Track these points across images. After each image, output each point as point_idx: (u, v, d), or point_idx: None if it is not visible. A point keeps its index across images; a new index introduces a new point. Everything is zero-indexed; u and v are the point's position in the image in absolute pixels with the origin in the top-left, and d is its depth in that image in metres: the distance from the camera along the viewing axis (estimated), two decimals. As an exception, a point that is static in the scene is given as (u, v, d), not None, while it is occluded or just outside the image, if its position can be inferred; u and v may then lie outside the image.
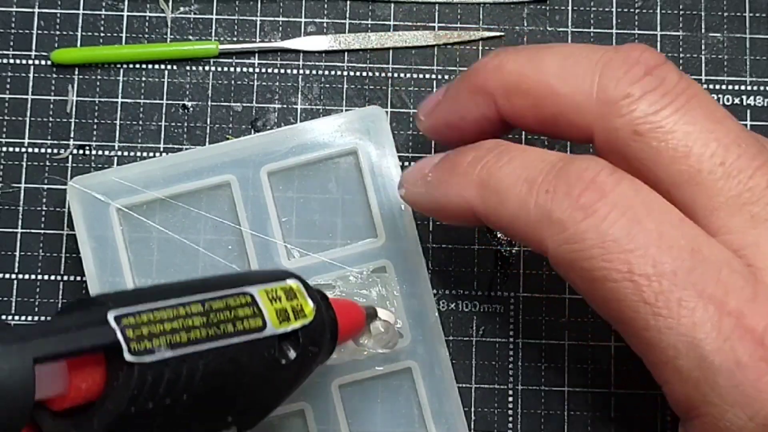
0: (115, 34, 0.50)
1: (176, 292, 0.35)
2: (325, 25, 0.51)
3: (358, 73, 0.50)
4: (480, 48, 0.50)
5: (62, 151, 0.49)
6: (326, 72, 0.50)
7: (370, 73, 0.50)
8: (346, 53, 0.50)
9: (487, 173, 0.38)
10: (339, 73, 0.50)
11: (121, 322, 0.32)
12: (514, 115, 0.40)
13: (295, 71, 0.50)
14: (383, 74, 0.50)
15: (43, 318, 0.48)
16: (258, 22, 0.50)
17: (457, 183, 0.39)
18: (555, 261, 0.36)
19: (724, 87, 0.50)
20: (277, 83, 0.50)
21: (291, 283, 0.38)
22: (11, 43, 0.50)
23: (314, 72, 0.50)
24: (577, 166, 0.36)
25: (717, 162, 0.36)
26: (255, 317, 0.36)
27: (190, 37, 0.50)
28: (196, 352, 0.33)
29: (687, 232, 0.35)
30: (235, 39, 0.50)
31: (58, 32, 0.50)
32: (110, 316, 0.32)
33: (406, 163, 0.49)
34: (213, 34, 0.50)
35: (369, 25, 0.51)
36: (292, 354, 0.37)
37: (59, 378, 0.32)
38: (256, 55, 0.50)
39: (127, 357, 0.32)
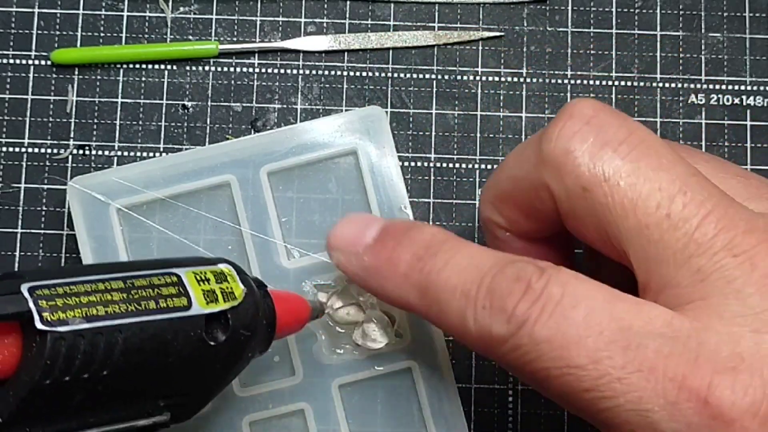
0: (115, 34, 0.50)
1: (100, 270, 0.35)
2: (325, 25, 0.51)
3: (358, 73, 0.50)
4: (480, 48, 0.50)
5: (62, 151, 0.49)
6: (326, 72, 0.50)
7: (370, 73, 0.50)
8: (346, 53, 0.50)
9: (425, 280, 0.38)
10: (339, 73, 0.50)
11: (35, 293, 0.32)
12: (511, 227, 0.41)
13: (295, 71, 0.50)
14: (383, 74, 0.50)
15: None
16: (258, 22, 0.50)
17: (396, 285, 0.39)
18: (503, 366, 0.37)
19: (724, 87, 0.50)
20: (277, 83, 0.50)
21: (222, 267, 0.38)
22: (11, 43, 0.50)
23: (314, 72, 0.50)
24: (508, 276, 0.36)
25: (663, 214, 0.35)
26: (180, 296, 0.36)
27: (190, 37, 0.50)
28: (114, 326, 0.33)
29: (614, 313, 0.35)
30: (235, 39, 0.50)
31: (58, 32, 0.50)
32: (24, 287, 0.32)
33: (406, 163, 0.49)
34: (213, 34, 0.50)
35: (369, 25, 0.51)
36: (221, 336, 0.37)
37: None
38: (256, 55, 0.50)
39: (39, 325, 0.32)
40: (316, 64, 0.50)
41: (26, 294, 0.32)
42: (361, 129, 0.47)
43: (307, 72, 0.50)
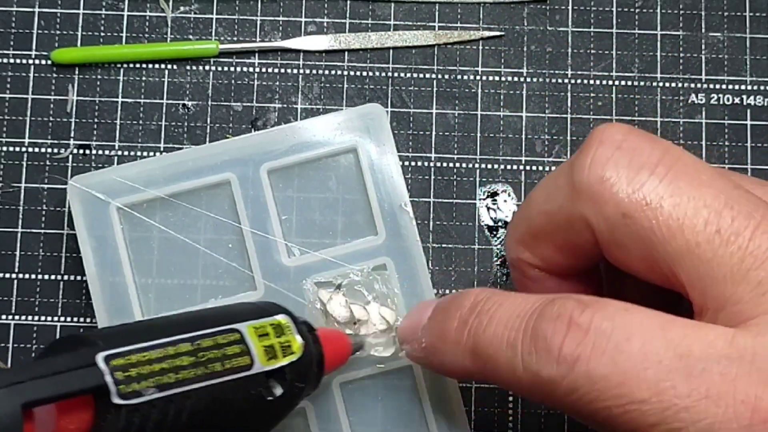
0: (115, 34, 0.50)
1: (166, 329, 0.35)
2: (325, 24, 0.51)
3: (358, 73, 0.50)
4: (480, 47, 0.50)
5: (62, 150, 0.49)
6: (326, 72, 0.50)
7: (370, 73, 0.50)
8: (346, 53, 0.50)
9: (473, 341, 0.37)
10: (339, 72, 0.50)
11: (110, 364, 0.32)
12: (544, 265, 0.40)
13: (295, 71, 0.50)
14: (383, 74, 0.50)
15: (43, 318, 0.48)
16: (258, 22, 0.50)
17: (451, 354, 0.39)
18: (562, 410, 0.36)
19: (724, 87, 0.50)
20: (277, 83, 0.50)
21: (280, 318, 0.39)
22: (11, 43, 0.50)
23: (314, 72, 0.50)
24: (548, 316, 0.35)
25: (712, 230, 0.34)
26: (243, 355, 0.36)
27: (190, 37, 0.50)
28: (183, 392, 0.34)
29: (672, 339, 0.33)
30: (235, 39, 0.50)
31: (58, 32, 0.50)
32: (99, 358, 0.32)
33: (407, 163, 0.49)
34: (213, 33, 0.50)
35: (369, 25, 0.51)
36: (279, 390, 0.37)
37: (48, 419, 0.32)
38: (256, 54, 0.50)
39: (115, 400, 0.32)
40: (317, 63, 0.50)
41: (102, 365, 0.32)
42: (360, 127, 0.47)
43: (308, 71, 0.50)
